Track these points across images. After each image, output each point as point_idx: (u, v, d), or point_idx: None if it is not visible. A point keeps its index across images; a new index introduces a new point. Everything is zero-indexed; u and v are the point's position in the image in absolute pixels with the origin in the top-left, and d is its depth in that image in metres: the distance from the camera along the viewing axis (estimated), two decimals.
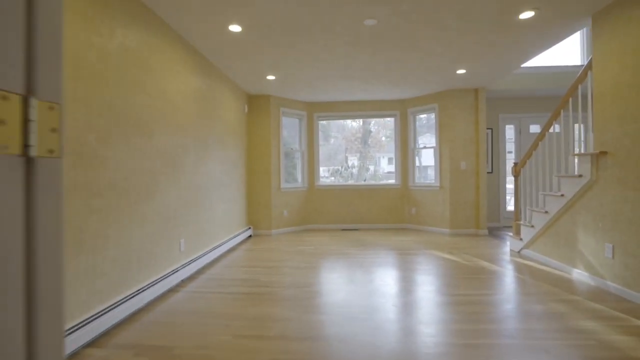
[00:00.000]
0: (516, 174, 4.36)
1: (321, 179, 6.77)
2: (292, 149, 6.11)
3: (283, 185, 5.76)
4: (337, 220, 6.20)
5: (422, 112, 5.88)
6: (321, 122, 6.61)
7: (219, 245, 4.10)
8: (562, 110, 3.73)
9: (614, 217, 2.74)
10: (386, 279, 3.20)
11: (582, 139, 4.14)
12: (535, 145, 4.04)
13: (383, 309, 2.48)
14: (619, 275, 2.69)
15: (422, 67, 4.30)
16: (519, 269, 3.49)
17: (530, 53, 3.92)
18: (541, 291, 2.83)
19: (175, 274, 3.04)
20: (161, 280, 2.79)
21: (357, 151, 9.65)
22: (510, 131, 6.17)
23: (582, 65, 5.51)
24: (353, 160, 8.91)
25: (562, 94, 5.88)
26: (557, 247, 3.48)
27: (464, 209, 5.48)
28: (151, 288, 2.64)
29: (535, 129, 6.10)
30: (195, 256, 3.49)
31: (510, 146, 6.17)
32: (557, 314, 2.37)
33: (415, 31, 3.25)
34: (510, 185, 6.15)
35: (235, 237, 4.69)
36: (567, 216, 3.32)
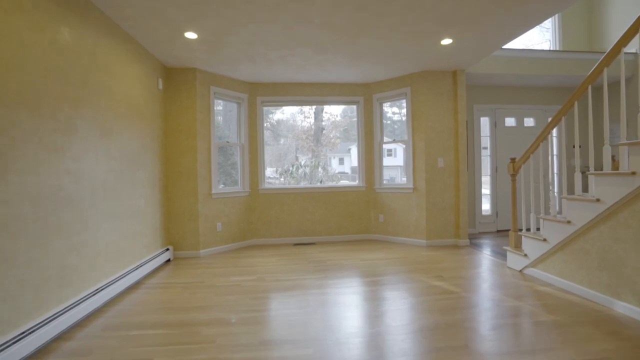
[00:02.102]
0: (514, 172, 3.48)
1: (268, 181, 5.45)
2: (228, 142, 4.70)
3: (216, 189, 4.34)
4: (289, 233, 4.93)
5: (391, 98, 4.86)
6: (267, 108, 5.29)
7: (103, 288, 2.59)
8: (575, 102, 2.89)
9: None
10: (373, 345, 2.01)
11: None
12: (543, 137, 3.17)
13: None
14: None
15: (400, 32, 3.22)
16: (548, 302, 2.54)
17: (526, 24, 3.03)
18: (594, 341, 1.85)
19: None
20: None
21: (309, 150, 8.49)
22: (485, 124, 5.42)
23: (558, 51, 4.90)
24: (305, 160, 7.71)
25: (536, 84, 5.26)
26: (585, 269, 2.60)
27: (442, 215, 4.54)
28: None
29: (510, 122, 5.43)
30: (42, 319, 1.98)
31: (485, 141, 5.42)
32: None
33: None
34: (485, 190, 5.41)
35: (139, 267, 3.18)
36: (606, 229, 2.43)
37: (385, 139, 5.07)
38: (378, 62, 4.08)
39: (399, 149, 4.84)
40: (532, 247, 3.13)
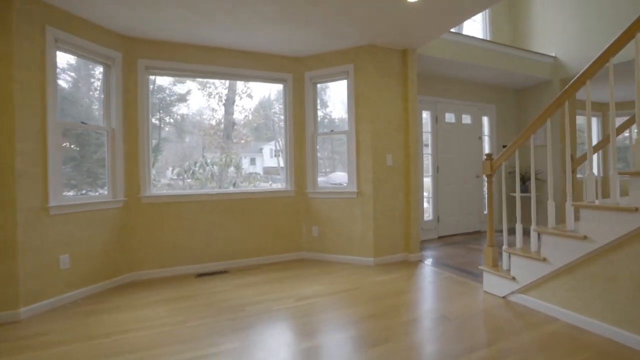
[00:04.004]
0: (492, 172, 2.78)
1: (160, 185, 3.84)
2: (85, 124, 2.98)
3: (58, 199, 2.62)
4: (190, 259, 3.45)
5: (329, 77, 3.81)
6: (159, 82, 3.70)
7: None
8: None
9: None
10: None
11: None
12: (534, 126, 2.50)
13: None
14: None
15: None
16: (573, 348, 1.77)
17: None
18: None
19: None
20: None
21: (218, 147, 6.91)
22: (426, 119, 4.84)
23: (510, 46, 4.58)
24: (213, 158, 6.14)
25: (475, 78, 4.90)
26: (610, 301, 1.94)
27: (391, 224, 3.69)
28: None
29: (450, 118, 4.97)
30: None
31: (425, 137, 4.83)
32: None
33: None
34: (425, 192, 4.82)
35: None
36: None
37: (330, 118, 4.02)
38: (317, 20, 2.97)
39: (340, 140, 3.88)
40: (523, 269, 2.43)
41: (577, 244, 2.08)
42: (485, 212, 5.33)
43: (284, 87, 3.92)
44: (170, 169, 4.81)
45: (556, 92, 5.05)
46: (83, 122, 2.90)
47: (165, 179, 4.58)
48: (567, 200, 2.21)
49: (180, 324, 2.25)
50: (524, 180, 5.22)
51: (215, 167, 4.82)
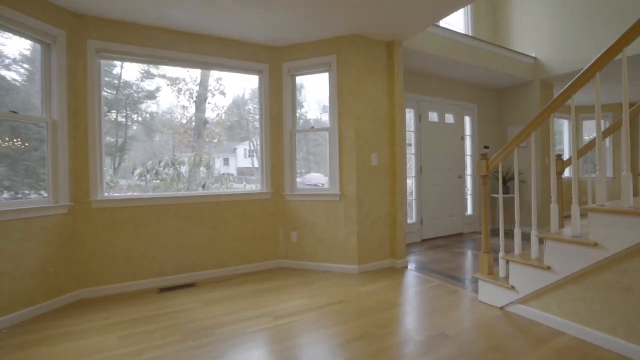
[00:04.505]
0: (488, 173, 2.57)
1: (116, 187, 3.36)
2: (14, 113, 2.47)
3: None
4: (151, 271, 3.01)
5: (310, 69, 3.50)
6: (115, 68, 3.24)
7: None
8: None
9: None
10: None
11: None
12: (536, 122, 2.31)
13: None
14: None
15: None
16: None
17: None
18: None
19: None
20: None
21: (189, 146, 6.38)
22: (409, 117, 4.64)
23: (478, 39, 4.46)
24: (181, 157, 5.62)
25: (458, 77, 4.78)
26: (624, 313, 1.77)
27: (376, 229, 3.44)
28: None
29: (433, 117, 4.80)
30: None
31: (408, 137, 4.64)
32: None
33: None
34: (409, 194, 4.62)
35: None
36: None
37: (305, 119, 3.70)
38: (299, 3, 2.65)
39: (320, 138, 3.59)
40: (524, 277, 2.24)
41: (586, 252, 1.90)
42: (468, 213, 5.22)
43: (260, 79, 3.57)
44: (137, 169, 4.29)
45: (536, 92, 5.04)
46: (12, 112, 2.40)
47: (132, 180, 4.07)
48: (574, 203, 2.03)
49: (134, 357, 1.85)
50: (505, 181, 5.16)
51: (182, 167, 4.36)
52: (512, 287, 2.30)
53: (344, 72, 3.32)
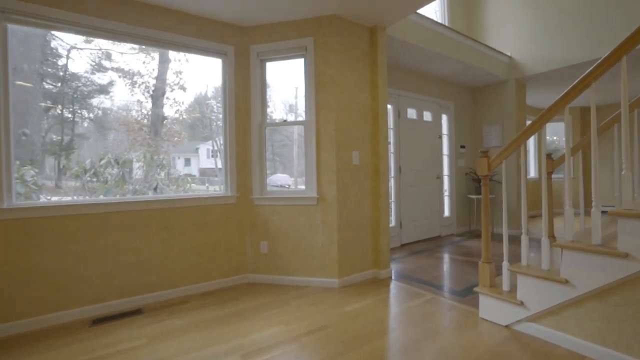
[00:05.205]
0: (489, 173, 2.28)
1: (57, 191, 2.68)
2: None
3: None
4: (84, 298, 2.38)
5: (282, 52, 3.03)
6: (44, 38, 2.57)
7: None
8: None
9: None
10: None
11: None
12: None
13: None
14: None
15: None
16: None
17: None
18: None
19: None
20: None
21: (144, 144, 5.59)
22: (388, 114, 4.32)
23: (459, 33, 4.25)
24: (125, 155, 4.85)
25: (439, 72, 4.56)
26: None
27: (358, 236, 3.06)
28: None
29: (412, 114, 4.54)
30: None
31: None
32: None
33: None
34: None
35: None
36: None
37: (271, 119, 3.22)
38: None
39: (295, 134, 3.14)
40: (535, 292, 1.95)
41: (614, 264, 1.63)
42: (445, 215, 5.03)
43: (223, 63, 3.05)
44: (75, 169, 3.53)
45: (512, 92, 4.96)
46: None
47: (68, 182, 3.32)
48: (595, 207, 1.76)
49: None
50: (480, 181, 5.03)
51: (139, 166, 3.69)
52: (521, 303, 2.01)
53: (322, 58, 2.90)
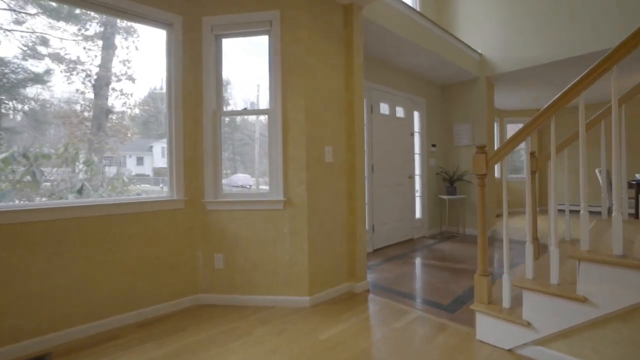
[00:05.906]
0: (486, 171, 1.97)
1: None
2: None
3: None
4: None
5: (242, 27, 2.53)
6: None
7: None
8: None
9: None
10: None
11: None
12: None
13: None
14: None
15: None
16: None
17: None
18: None
19: None
20: None
21: (84, 140, 4.69)
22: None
23: (436, 24, 4.02)
24: (48, 150, 3.98)
25: (414, 64, 4.31)
26: None
27: (331, 245, 2.64)
28: None
29: (385, 109, 4.22)
30: None
31: None
32: None
33: None
34: None
35: None
36: None
37: (228, 108, 2.71)
38: None
39: (259, 124, 2.64)
40: (546, 311, 1.66)
41: None
42: (417, 217, 4.80)
43: (168, 37, 2.48)
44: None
45: (482, 89, 4.85)
46: None
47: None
48: (616, 212, 1.50)
49: None
50: (452, 181, 4.88)
51: (81, 166, 2.97)
52: (528, 324, 1.71)
53: (291, 34, 2.45)
